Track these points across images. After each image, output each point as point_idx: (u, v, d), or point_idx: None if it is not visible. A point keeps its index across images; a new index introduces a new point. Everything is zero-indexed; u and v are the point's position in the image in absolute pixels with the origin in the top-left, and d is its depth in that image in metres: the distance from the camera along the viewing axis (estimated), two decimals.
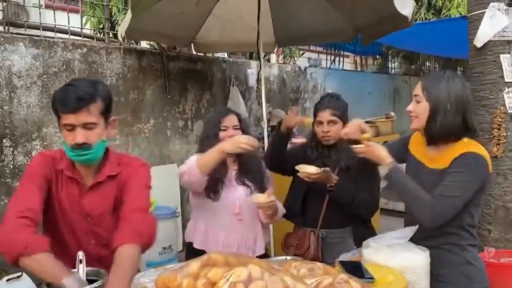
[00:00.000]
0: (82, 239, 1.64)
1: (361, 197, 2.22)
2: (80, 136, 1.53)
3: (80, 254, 1.36)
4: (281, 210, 2.32)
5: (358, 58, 8.96)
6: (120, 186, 1.69)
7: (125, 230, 1.51)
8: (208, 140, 2.25)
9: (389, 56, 8.57)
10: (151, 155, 4.19)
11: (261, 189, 2.26)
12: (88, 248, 1.56)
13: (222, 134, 2.22)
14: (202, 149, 2.27)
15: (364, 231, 2.17)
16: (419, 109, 1.75)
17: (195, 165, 2.03)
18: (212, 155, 2.03)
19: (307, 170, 2.09)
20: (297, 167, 2.13)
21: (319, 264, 1.18)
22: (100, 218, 1.67)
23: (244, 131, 2.29)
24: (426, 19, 6.16)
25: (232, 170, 2.27)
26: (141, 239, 1.49)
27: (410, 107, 1.81)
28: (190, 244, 2.31)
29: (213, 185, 2.18)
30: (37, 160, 1.66)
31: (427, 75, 1.85)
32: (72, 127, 1.53)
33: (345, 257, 1.60)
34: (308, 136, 2.49)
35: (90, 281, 1.33)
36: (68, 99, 1.52)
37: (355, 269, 1.37)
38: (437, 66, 9.67)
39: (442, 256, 1.66)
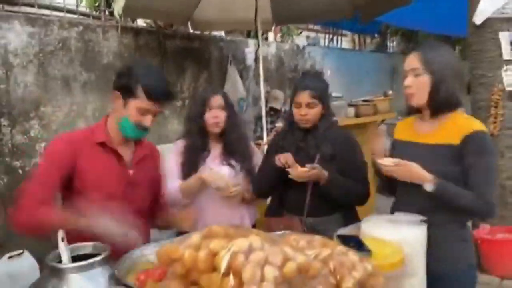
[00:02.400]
0: (118, 209, 1.66)
1: (354, 189, 2.12)
2: (150, 121, 1.73)
3: (61, 232, 1.39)
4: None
5: (356, 37, 8.90)
6: (155, 165, 1.96)
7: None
8: (193, 121, 2.25)
9: (388, 35, 8.51)
10: (149, 134, 4.18)
11: (248, 170, 2.27)
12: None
13: (207, 115, 2.21)
14: (188, 130, 2.28)
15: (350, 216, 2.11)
16: (419, 83, 1.68)
17: (179, 191, 2.17)
18: (193, 183, 2.15)
19: (298, 169, 2.01)
20: (288, 170, 2.03)
21: (317, 237, 1.20)
22: (143, 189, 1.82)
23: (231, 112, 2.28)
24: None
25: (216, 149, 2.28)
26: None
27: (408, 82, 1.72)
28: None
29: (188, 172, 2.22)
30: (57, 143, 1.74)
31: (421, 47, 1.73)
32: (148, 112, 1.70)
33: (343, 231, 1.62)
34: (285, 119, 2.41)
35: (91, 256, 1.35)
36: (163, 90, 1.72)
37: (353, 243, 1.39)
38: None
39: (438, 232, 1.64)
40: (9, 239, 3.05)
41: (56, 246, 1.40)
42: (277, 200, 2.28)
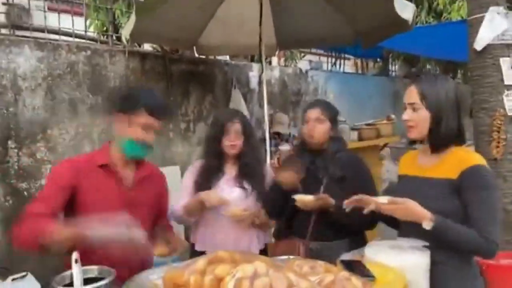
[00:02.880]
0: None
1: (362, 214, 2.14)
2: (152, 137, 1.80)
3: (75, 254, 1.40)
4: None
5: (359, 61, 8.99)
6: (156, 187, 1.99)
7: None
8: (211, 143, 2.29)
9: (390, 59, 8.60)
10: (153, 157, 4.21)
11: (260, 193, 2.29)
12: None
13: (224, 139, 2.26)
14: (206, 151, 2.32)
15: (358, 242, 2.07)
16: (418, 117, 1.66)
17: (183, 214, 2.24)
18: (193, 204, 2.21)
19: (304, 199, 2.03)
20: (294, 197, 2.05)
21: (320, 262, 1.21)
22: (143, 210, 1.85)
23: (249, 136, 2.32)
24: (426, 22, 6.20)
25: (232, 171, 2.31)
26: None
27: (407, 116, 1.70)
28: (193, 245, 2.36)
29: (200, 190, 2.25)
30: (60, 166, 1.82)
31: (419, 80, 1.71)
32: (148, 127, 1.78)
33: (346, 257, 1.63)
34: (294, 142, 2.45)
35: (98, 280, 1.37)
36: (164, 107, 1.83)
37: (356, 268, 1.40)
38: (438, 69, 9.69)
39: (442, 270, 1.61)
40: (13, 262, 3.05)
41: (60, 269, 1.41)
42: (285, 223, 2.30)
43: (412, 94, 1.68)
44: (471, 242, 1.56)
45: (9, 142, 3.31)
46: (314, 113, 2.20)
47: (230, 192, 2.26)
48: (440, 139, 1.67)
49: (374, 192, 2.16)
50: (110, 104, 3.90)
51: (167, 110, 1.88)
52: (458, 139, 1.70)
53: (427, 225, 1.55)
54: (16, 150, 3.34)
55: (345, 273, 1.13)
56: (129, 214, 1.75)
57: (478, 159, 1.66)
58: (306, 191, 2.09)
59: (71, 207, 1.74)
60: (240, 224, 2.19)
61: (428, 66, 9.54)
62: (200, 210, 2.23)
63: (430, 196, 1.63)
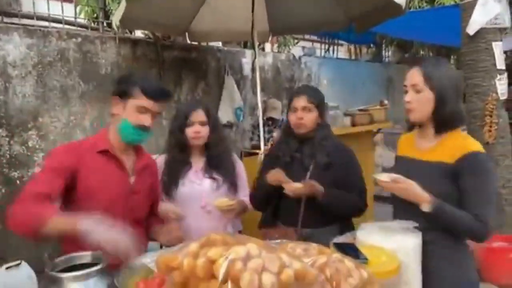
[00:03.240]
0: (119, 217, 1.65)
1: (350, 201, 2.14)
2: (149, 120, 1.77)
3: None
4: (250, 207, 2.35)
5: (352, 47, 8.98)
6: (153, 175, 2.00)
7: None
8: (174, 135, 2.26)
9: (383, 45, 8.59)
10: (147, 144, 4.20)
11: (231, 183, 2.28)
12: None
13: (187, 130, 2.22)
14: (169, 144, 2.29)
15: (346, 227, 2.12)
16: (421, 99, 1.66)
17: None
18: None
19: (292, 186, 2.03)
20: (284, 185, 2.05)
21: (314, 244, 1.22)
22: (140, 198, 1.86)
23: (214, 126, 2.28)
24: (420, 7, 6.17)
25: (199, 163, 2.29)
26: None
27: (408, 98, 1.69)
28: None
29: (168, 186, 2.25)
30: (58, 150, 1.79)
31: (423, 62, 1.70)
32: (146, 111, 1.75)
33: (339, 240, 1.64)
34: (281, 129, 2.42)
35: (91, 265, 1.37)
36: (159, 88, 1.79)
37: (349, 250, 1.41)
38: (431, 54, 9.70)
39: (435, 250, 1.64)
40: (7, 251, 3.05)
41: (54, 256, 1.41)
42: (271, 211, 2.30)
43: (415, 75, 1.68)
44: (466, 224, 1.59)
45: (0, 130, 3.28)
46: (301, 101, 2.16)
47: (200, 184, 2.24)
48: (444, 120, 1.67)
49: (360, 179, 2.21)
50: (105, 91, 3.91)
51: (163, 92, 1.83)
52: (460, 121, 1.72)
53: (425, 207, 1.57)
54: (7, 139, 3.32)
55: (338, 255, 1.14)
56: (130, 201, 1.80)
57: (476, 146, 1.67)
58: (293, 178, 2.09)
59: (71, 192, 1.71)
60: (227, 214, 2.17)
61: (421, 52, 9.55)
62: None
63: (425, 179, 1.64)
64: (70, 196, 1.71)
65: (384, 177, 1.65)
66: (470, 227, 1.60)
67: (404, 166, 1.80)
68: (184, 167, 2.26)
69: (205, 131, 2.23)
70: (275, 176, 2.07)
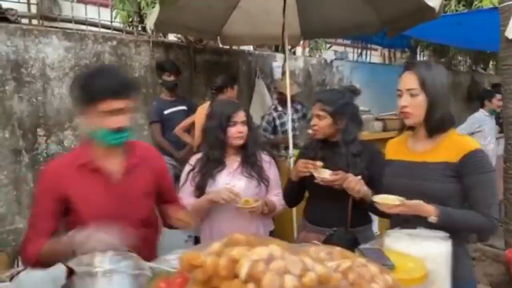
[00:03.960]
0: (115, 224, 1.61)
1: None
2: (124, 120, 1.60)
3: None
4: (279, 208, 2.34)
5: (386, 51, 8.83)
6: (152, 172, 1.82)
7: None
8: (215, 133, 2.26)
9: (418, 50, 8.41)
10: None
11: (264, 182, 2.29)
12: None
13: (230, 129, 2.24)
14: (208, 143, 2.31)
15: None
16: (416, 103, 1.67)
17: (189, 208, 2.15)
18: (202, 205, 2.21)
19: (322, 175, 2.02)
20: (314, 173, 2.04)
21: (337, 248, 1.20)
22: (135, 200, 1.73)
23: (251, 126, 2.33)
24: (456, 11, 6.01)
25: (234, 162, 2.30)
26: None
27: (404, 102, 1.70)
28: (197, 238, 2.38)
29: (201, 185, 2.26)
30: (45, 172, 1.72)
31: (418, 67, 1.71)
32: (115, 112, 1.57)
33: (365, 245, 1.61)
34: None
35: None
36: (116, 84, 1.57)
37: (375, 256, 1.38)
38: (468, 59, 9.43)
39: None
40: None
41: None
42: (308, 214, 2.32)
43: (410, 80, 1.69)
44: (476, 222, 1.63)
45: (38, 130, 3.41)
46: (315, 109, 2.20)
47: (233, 185, 2.24)
48: (436, 123, 1.69)
49: None
50: (138, 93, 3.96)
51: (127, 85, 1.62)
52: (451, 123, 1.73)
53: (432, 219, 1.60)
54: (44, 138, 3.44)
55: (362, 260, 1.12)
56: (123, 207, 1.68)
57: (476, 144, 1.71)
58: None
59: (68, 210, 1.68)
60: (252, 214, 2.18)
61: (459, 57, 9.30)
62: (208, 209, 2.23)
63: (428, 180, 1.67)
64: (69, 213, 1.69)
65: (388, 200, 1.65)
66: (479, 225, 1.64)
67: (400, 169, 1.80)
68: (219, 166, 2.28)
69: (245, 131, 2.26)
70: (304, 164, 2.08)
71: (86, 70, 1.74)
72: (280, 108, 4.39)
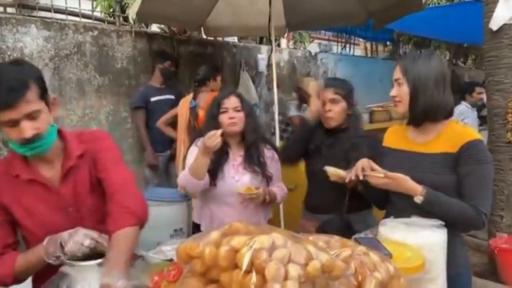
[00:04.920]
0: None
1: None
2: (28, 129, 1.33)
3: None
4: (279, 198, 2.31)
5: (368, 45, 8.88)
6: (91, 164, 1.58)
7: (117, 213, 1.45)
8: (208, 122, 2.23)
9: (400, 43, 8.47)
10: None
11: (268, 175, 2.26)
12: None
13: (222, 116, 2.19)
14: (203, 132, 2.26)
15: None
16: (402, 92, 1.70)
17: (189, 175, 2.09)
18: (199, 158, 2.06)
19: (338, 173, 1.98)
20: (326, 169, 2.02)
21: (336, 237, 1.18)
22: (82, 203, 1.56)
23: (249, 113, 2.26)
24: (438, 3, 6.07)
25: (238, 158, 2.26)
26: (137, 218, 1.45)
27: (393, 92, 1.74)
28: (197, 226, 2.32)
29: (213, 172, 2.19)
30: None
31: (404, 58, 1.81)
32: (14, 123, 1.32)
33: (360, 235, 1.59)
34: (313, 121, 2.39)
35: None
36: (6, 90, 1.29)
37: (371, 245, 1.36)
38: (448, 53, 9.55)
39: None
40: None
41: None
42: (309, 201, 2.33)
43: (396, 70, 1.73)
44: (462, 213, 1.59)
45: None
46: (328, 94, 2.19)
47: (238, 180, 2.21)
48: (418, 112, 1.68)
49: None
50: (121, 85, 3.85)
51: (13, 92, 1.30)
52: (437, 113, 1.69)
53: (418, 199, 1.58)
54: None
55: (362, 248, 1.09)
56: (73, 212, 1.55)
57: (477, 134, 1.68)
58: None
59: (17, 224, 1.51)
60: (253, 201, 2.15)
61: (438, 51, 9.40)
62: (206, 164, 2.09)
63: (428, 171, 1.66)
64: (20, 228, 1.53)
65: (376, 173, 1.67)
66: (465, 217, 1.60)
67: (397, 158, 1.79)
68: (222, 157, 2.22)
69: (240, 116, 2.20)
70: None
71: None
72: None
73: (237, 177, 2.22)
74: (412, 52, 1.89)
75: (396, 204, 1.75)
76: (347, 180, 1.90)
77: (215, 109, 2.22)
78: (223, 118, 2.19)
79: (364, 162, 1.76)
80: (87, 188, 1.56)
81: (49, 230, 1.41)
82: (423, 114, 1.68)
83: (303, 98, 4.19)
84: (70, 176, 1.53)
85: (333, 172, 2.01)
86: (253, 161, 2.24)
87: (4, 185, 1.47)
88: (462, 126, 1.74)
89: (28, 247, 1.51)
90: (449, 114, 1.72)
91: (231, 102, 2.21)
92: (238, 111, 2.20)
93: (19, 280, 1.45)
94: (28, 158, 1.48)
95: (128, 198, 1.50)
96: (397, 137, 1.86)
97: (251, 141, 2.24)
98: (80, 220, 1.50)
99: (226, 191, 2.20)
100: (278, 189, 2.31)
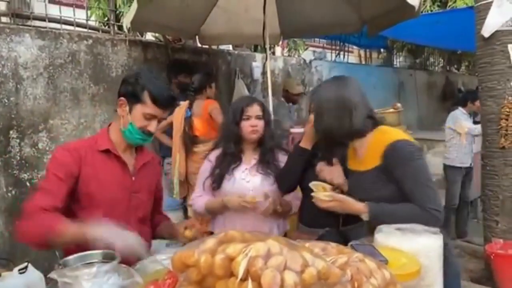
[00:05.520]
0: (123, 217, 1.68)
1: None
2: (155, 126, 1.73)
3: None
4: (295, 208, 2.29)
5: (362, 52, 8.93)
6: (155, 173, 1.95)
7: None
8: (229, 128, 2.25)
9: (394, 50, 8.54)
10: (152, 146, 4.20)
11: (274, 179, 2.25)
12: (129, 225, 1.59)
13: (244, 123, 2.21)
14: (223, 136, 2.29)
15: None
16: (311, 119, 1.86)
17: (204, 206, 2.27)
18: (217, 207, 2.22)
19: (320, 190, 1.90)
20: (310, 184, 1.94)
21: (332, 244, 1.17)
22: (143, 196, 1.83)
23: (268, 121, 2.28)
24: (431, 11, 6.12)
25: (252, 161, 2.27)
26: None
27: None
28: (211, 233, 2.31)
29: (217, 178, 2.23)
30: (60, 152, 1.72)
31: (312, 90, 1.97)
32: (153, 118, 1.71)
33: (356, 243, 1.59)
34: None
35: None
36: (168, 97, 1.74)
37: (368, 252, 1.36)
38: (442, 60, 9.63)
39: None
40: (14, 253, 3.03)
41: (59, 258, 1.40)
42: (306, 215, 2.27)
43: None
44: (412, 216, 1.58)
45: (11, 132, 3.28)
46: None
47: (249, 181, 2.22)
48: (320, 133, 1.84)
49: None
50: (116, 94, 3.86)
51: (172, 99, 1.79)
52: (364, 132, 1.72)
53: (364, 216, 1.61)
54: (18, 140, 3.31)
55: (359, 255, 1.09)
56: (133, 199, 1.77)
57: (395, 135, 1.68)
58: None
59: (76, 195, 1.68)
60: (264, 213, 2.14)
61: (431, 59, 9.47)
62: (222, 210, 2.22)
63: (367, 189, 1.68)
64: (76, 198, 1.68)
65: (322, 196, 1.69)
66: (417, 216, 1.58)
67: (351, 180, 1.83)
68: (235, 162, 2.24)
69: (261, 125, 2.22)
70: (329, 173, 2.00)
71: (145, 70, 2.08)
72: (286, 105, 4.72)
73: (248, 178, 2.22)
74: (322, 84, 1.94)
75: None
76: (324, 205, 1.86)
77: (237, 115, 2.22)
78: (245, 125, 2.20)
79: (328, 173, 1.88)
80: (150, 187, 1.89)
81: (111, 204, 1.69)
82: (324, 135, 1.82)
83: (289, 98, 4.81)
84: (143, 170, 1.84)
85: (318, 187, 1.92)
86: (266, 163, 2.25)
87: (87, 157, 1.70)
88: (381, 132, 1.73)
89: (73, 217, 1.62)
90: (357, 135, 1.73)
91: (254, 110, 2.22)
92: (260, 119, 2.22)
93: (49, 246, 1.55)
94: (117, 143, 1.77)
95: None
96: (350, 157, 1.88)
97: (268, 148, 2.26)
98: (134, 209, 1.78)
99: (236, 193, 2.18)
100: (293, 198, 2.29)
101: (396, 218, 1.57)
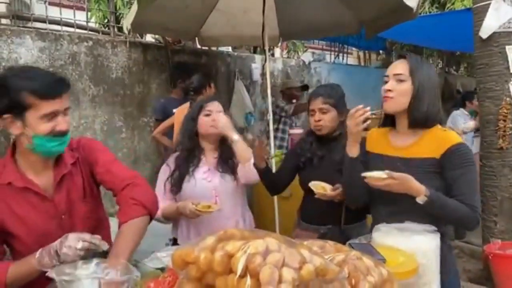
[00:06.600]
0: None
1: None
2: (65, 123, 1.41)
3: None
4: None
5: (361, 54, 8.95)
6: (84, 170, 1.60)
7: (125, 204, 1.51)
8: (188, 123, 2.24)
9: (393, 52, 8.55)
10: (157, 148, 4.22)
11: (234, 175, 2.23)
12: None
13: (205, 119, 2.19)
14: (182, 132, 2.27)
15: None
16: (401, 89, 1.65)
17: (160, 212, 2.01)
18: (173, 212, 2.11)
19: (324, 190, 1.97)
20: (311, 186, 2.00)
21: (330, 242, 1.19)
22: (75, 211, 1.56)
23: (230, 116, 2.27)
24: (430, 12, 6.15)
25: (212, 161, 2.24)
26: (145, 209, 1.51)
27: (389, 86, 1.66)
28: (175, 240, 2.29)
29: (176, 181, 2.18)
30: None
31: (410, 57, 1.71)
32: (54, 115, 1.39)
33: (354, 241, 1.61)
34: (305, 129, 2.40)
35: None
36: (54, 82, 1.38)
37: (365, 251, 1.37)
38: (441, 61, 9.64)
39: None
40: None
41: None
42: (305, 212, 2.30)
43: (401, 66, 1.68)
44: (462, 211, 1.60)
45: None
46: (317, 103, 2.14)
47: (210, 180, 2.18)
48: (420, 116, 1.66)
49: None
50: (116, 95, 3.87)
51: (59, 81, 1.42)
52: (436, 120, 1.71)
53: (421, 199, 1.57)
54: None
55: (356, 253, 1.11)
56: (67, 220, 1.54)
57: (458, 138, 1.70)
58: (322, 178, 2.06)
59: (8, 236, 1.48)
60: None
61: (430, 60, 9.49)
62: (177, 216, 2.15)
63: (418, 176, 1.63)
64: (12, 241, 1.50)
65: (378, 174, 1.60)
66: (464, 215, 1.61)
67: (379, 164, 1.75)
68: (194, 162, 2.21)
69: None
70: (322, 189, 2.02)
71: (7, 72, 1.44)
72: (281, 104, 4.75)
73: (209, 178, 2.19)
74: (416, 56, 1.83)
75: (380, 211, 1.76)
76: (335, 199, 1.94)
77: (196, 111, 2.22)
78: (207, 120, 2.18)
79: None
80: (80, 195, 1.57)
81: (42, 239, 1.41)
82: (424, 118, 1.66)
83: (290, 96, 4.95)
84: (64, 184, 1.53)
85: (318, 188, 1.99)
86: (225, 160, 2.22)
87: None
88: (443, 131, 1.72)
89: (16, 257, 1.48)
90: (439, 122, 1.73)
91: (214, 106, 2.22)
92: (220, 113, 2.21)
93: None
94: (20, 166, 1.47)
95: (136, 191, 1.55)
96: (377, 140, 1.84)
97: (229, 145, 2.20)
98: (72, 227, 1.50)
99: (198, 194, 2.15)
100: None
101: (446, 211, 1.60)
